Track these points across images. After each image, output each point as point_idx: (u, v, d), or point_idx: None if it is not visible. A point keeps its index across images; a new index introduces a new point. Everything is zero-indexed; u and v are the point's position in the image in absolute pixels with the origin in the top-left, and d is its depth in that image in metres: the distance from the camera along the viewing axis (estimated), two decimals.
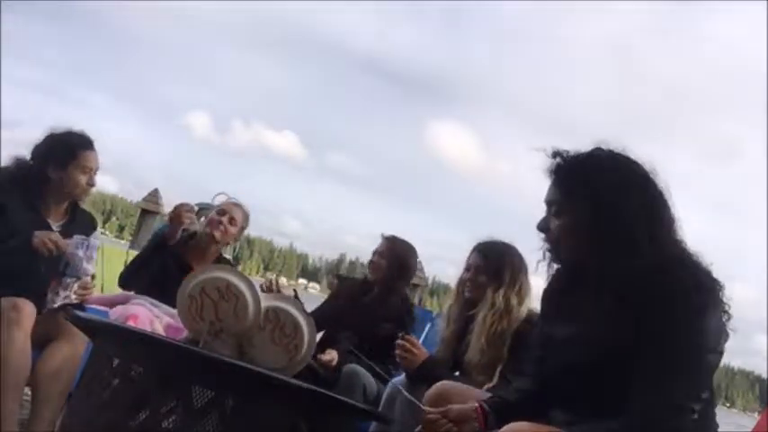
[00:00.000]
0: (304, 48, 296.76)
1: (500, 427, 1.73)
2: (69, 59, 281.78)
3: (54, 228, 2.70)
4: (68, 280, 2.52)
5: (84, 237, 2.56)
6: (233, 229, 3.25)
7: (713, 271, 1.61)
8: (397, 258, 3.29)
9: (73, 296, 2.53)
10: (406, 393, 2.45)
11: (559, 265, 1.77)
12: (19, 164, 2.76)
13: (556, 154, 1.69)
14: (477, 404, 1.90)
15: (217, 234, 3.19)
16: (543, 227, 1.73)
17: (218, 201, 3.35)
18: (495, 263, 2.71)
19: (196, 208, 3.19)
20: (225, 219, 3.21)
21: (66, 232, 2.67)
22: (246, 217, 3.33)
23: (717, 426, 1.71)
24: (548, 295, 1.89)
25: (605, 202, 1.61)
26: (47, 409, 2.42)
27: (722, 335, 1.58)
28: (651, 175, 1.66)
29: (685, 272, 1.56)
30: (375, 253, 3.29)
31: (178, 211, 3.04)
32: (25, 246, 2.49)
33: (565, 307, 1.78)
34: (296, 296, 3.31)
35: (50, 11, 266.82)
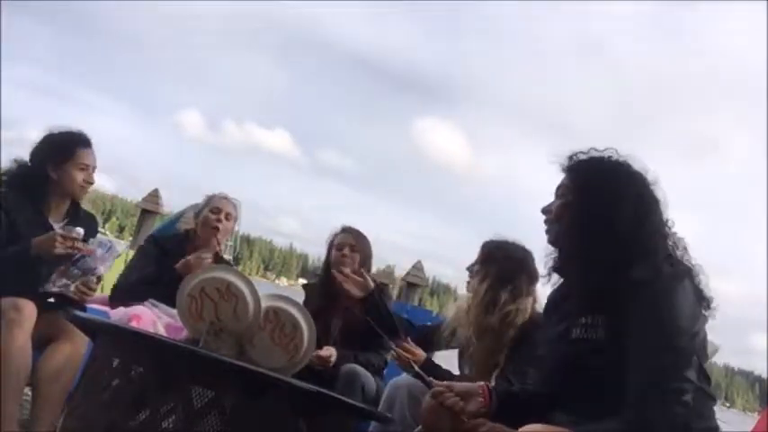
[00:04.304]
0: (296, 47, 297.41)
1: (501, 410, 1.83)
2: (69, 59, 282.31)
3: (55, 227, 2.70)
4: (75, 271, 2.53)
5: (109, 240, 2.61)
6: (230, 225, 3.29)
7: (687, 261, 1.76)
8: (366, 250, 3.31)
9: (72, 288, 2.53)
10: (417, 369, 2.43)
11: (555, 252, 1.90)
12: (20, 164, 2.78)
13: (573, 153, 1.90)
14: (482, 383, 1.93)
15: (219, 235, 3.20)
16: (546, 209, 1.90)
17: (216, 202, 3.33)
18: (484, 256, 2.71)
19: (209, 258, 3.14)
20: (222, 216, 3.23)
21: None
22: (237, 208, 3.35)
23: (715, 425, 1.72)
24: (549, 298, 1.98)
25: (600, 201, 1.79)
26: (47, 410, 2.42)
27: (698, 318, 1.69)
28: (647, 185, 1.82)
29: (653, 264, 1.68)
30: (341, 246, 3.27)
31: (189, 266, 2.99)
32: (25, 252, 2.50)
33: (563, 309, 1.87)
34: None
35: (50, 11, 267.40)
